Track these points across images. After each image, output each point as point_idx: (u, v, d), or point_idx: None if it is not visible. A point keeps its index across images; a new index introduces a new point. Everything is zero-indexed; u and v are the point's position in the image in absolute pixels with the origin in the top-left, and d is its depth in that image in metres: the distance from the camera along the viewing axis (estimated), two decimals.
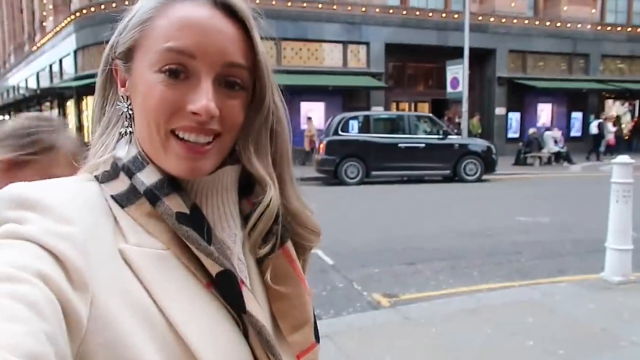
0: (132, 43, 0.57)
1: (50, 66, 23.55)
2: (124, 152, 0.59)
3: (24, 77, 28.44)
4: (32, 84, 26.49)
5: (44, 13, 24.66)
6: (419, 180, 13.17)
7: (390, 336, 3.45)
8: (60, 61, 21.84)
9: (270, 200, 0.61)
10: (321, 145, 12.64)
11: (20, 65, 29.60)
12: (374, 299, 4.40)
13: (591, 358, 3.10)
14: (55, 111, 22.75)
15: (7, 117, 27.59)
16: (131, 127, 0.61)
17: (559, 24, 21.62)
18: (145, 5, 0.58)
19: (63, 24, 20.44)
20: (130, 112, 0.60)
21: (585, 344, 3.28)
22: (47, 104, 25.01)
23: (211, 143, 0.57)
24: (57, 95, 22.56)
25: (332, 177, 12.54)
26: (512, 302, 4.09)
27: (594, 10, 22.37)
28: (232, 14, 0.57)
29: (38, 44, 25.32)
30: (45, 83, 23.81)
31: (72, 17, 19.18)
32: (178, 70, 0.55)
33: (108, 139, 0.62)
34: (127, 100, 0.60)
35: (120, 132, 0.61)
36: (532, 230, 7.05)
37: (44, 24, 24.73)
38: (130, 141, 0.60)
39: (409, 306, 4.07)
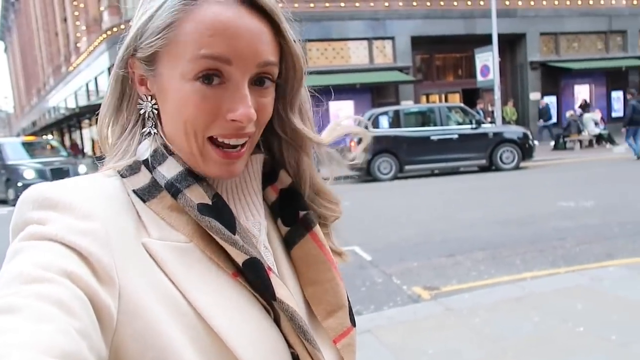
0: (157, 49, 0.55)
1: (87, 85, 24.35)
2: (148, 153, 0.58)
3: (63, 97, 29.57)
4: (71, 104, 27.48)
5: (78, 34, 25.57)
6: (454, 172, 12.93)
7: (432, 328, 3.39)
8: (96, 79, 22.55)
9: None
10: (352, 143, 12.57)
11: (59, 87, 30.79)
12: (414, 292, 4.33)
13: None
14: (95, 128, 23.53)
15: (50, 136, 28.77)
16: (154, 127, 0.60)
17: (591, 2, 20.85)
18: (167, 6, 0.54)
19: (96, 44, 21.13)
20: (155, 110, 0.59)
21: (639, 328, 3.14)
22: (87, 121, 25.91)
23: (244, 145, 0.57)
24: (95, 113, 23.29)
25: (365, 174, 12.47)
26: (559, 289, 3.94)
27: None
28: (258, 8, 0.55)
29: (74, 65, 26.27)
30: (83, 101, 24.64)
31: (104, 35, 19.79)
32: (213, 76, 0.53)
33: (125, 142, 0.61)
34: (150, 100, 0.59)
35: (142, 133, 0.60)
36: (575, 215, 6.80)
37: (78, 44, 25.66)
38: (154, 141, 0.59)
39: (450, 297, 3.99)
